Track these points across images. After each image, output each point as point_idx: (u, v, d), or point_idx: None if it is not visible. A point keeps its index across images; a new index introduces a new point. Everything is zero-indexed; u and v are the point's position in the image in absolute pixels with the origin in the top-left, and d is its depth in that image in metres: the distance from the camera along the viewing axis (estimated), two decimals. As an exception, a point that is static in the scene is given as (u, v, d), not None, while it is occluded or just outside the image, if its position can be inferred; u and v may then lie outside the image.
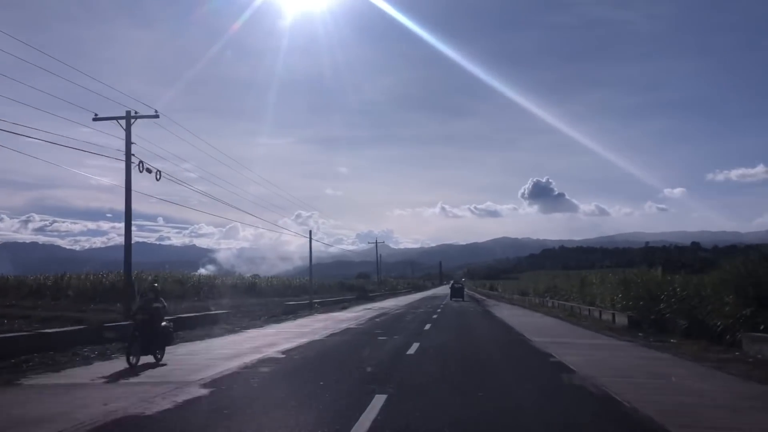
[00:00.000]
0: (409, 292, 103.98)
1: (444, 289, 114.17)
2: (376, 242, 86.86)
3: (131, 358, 11.95)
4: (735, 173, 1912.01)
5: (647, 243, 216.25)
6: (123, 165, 20.92)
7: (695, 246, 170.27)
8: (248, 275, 65.22)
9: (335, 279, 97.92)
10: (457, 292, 61.65)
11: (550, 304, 40.64)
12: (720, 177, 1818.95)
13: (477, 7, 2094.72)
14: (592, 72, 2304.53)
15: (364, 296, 62.59)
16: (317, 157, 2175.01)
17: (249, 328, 22.76)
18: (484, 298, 75.83)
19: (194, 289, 42.07)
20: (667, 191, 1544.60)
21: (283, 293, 53.70)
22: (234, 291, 44.98)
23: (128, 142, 21.01)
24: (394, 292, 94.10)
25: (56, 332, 15.63)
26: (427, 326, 23.57)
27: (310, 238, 48.26)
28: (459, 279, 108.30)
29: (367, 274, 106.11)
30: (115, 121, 21.05)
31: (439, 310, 37.25)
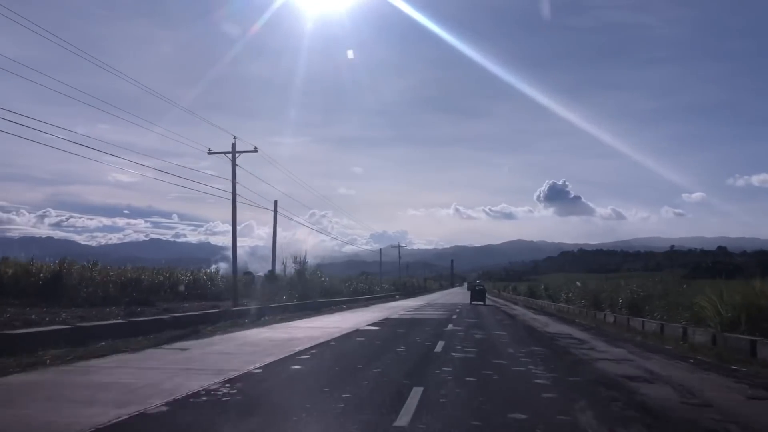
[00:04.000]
0: (372, 302, 53.75)
1: (454, 294, 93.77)
2: (275, 210, 39.02)
3: None
4: (756, 178, 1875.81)
5: (672, 247, 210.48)
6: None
7: (722, 250, 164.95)
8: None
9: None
10: (478, 295, 55.10)
11: None
12: (740, 182, 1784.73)
13: (496, 8, 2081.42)
14: (610, 75, 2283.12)
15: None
16: (332, 157, 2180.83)
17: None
18: (549, 321, 30.02)
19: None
20: (685, 196, 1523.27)
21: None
22: None
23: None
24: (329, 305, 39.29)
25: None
26: None
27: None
28: (474, 280, 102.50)
29: (371, 273, 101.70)
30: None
31: None
